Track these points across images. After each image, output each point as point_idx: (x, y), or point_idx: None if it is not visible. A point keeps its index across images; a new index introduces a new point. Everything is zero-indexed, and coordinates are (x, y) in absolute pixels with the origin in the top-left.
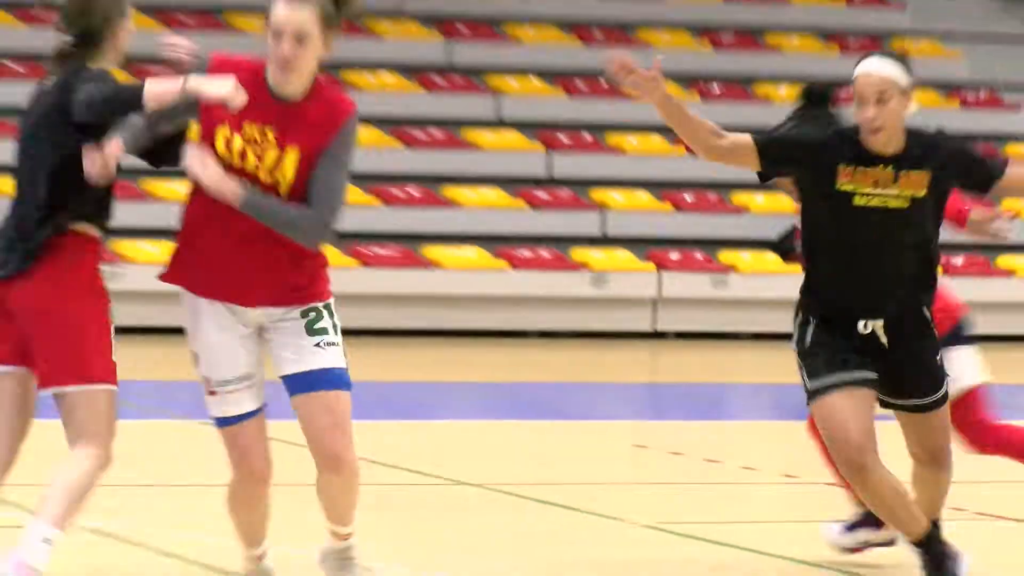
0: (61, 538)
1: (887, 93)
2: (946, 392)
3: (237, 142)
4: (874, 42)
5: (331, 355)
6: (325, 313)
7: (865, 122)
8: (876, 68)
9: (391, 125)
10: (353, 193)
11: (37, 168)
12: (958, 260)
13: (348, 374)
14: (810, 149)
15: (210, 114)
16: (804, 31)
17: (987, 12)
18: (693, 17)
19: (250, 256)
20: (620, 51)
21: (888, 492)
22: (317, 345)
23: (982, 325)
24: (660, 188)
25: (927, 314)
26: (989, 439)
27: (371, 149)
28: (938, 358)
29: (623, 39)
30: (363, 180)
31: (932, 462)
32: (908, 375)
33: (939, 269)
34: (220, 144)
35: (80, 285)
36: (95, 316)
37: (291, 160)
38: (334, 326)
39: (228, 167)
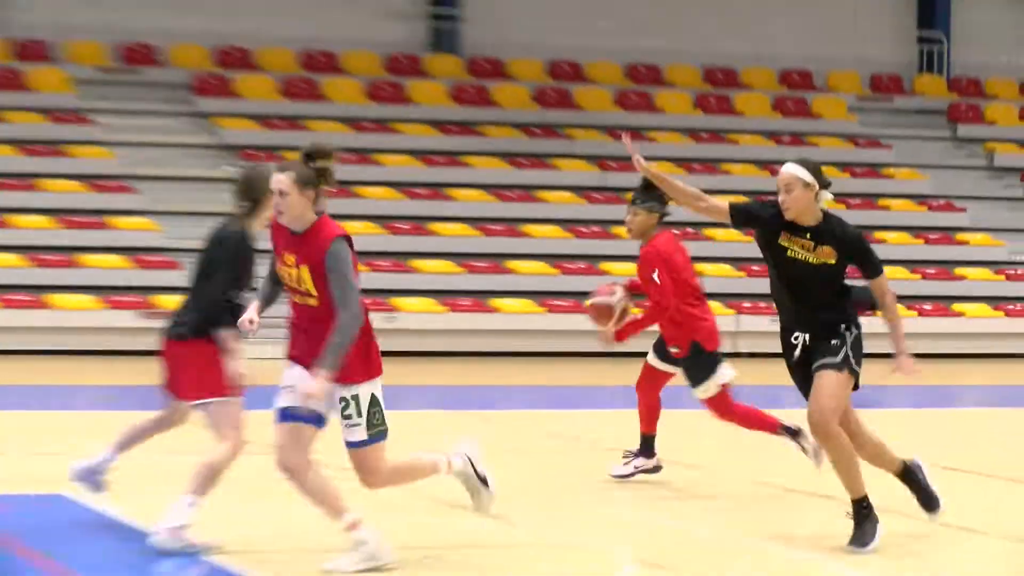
0: (201, 503)
1: (791, 185)
2: (835, 365)
3: (281, 267)
4: (872, 170)
5: (355, 433)
6: (352, 403)
7: (779, 203)
8: (787, 168)
9: (567, 224)
10: (542, 267)
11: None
12: (928, 306)
13: (366, 441)
14: (764, 217)
15: (276, 251)
16: (826, 164)
17: (944, 150)
18: (760, 156)
19: (308, 341)
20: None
21: (844, 447)
22: (347, 426)
23: (945, 347)
24: (737, 262)
25: (841, 327)
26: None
27: (554, 239)
28: (835, 342)
29: (713, 170)
30: (550, 258)
31: (818, 424)
32: (815, 349)
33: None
34: (279, 269)
35: (207, 356)
36: (213, 366)
37: (306, 274)
38: (358, 410)
39: (286, 284)
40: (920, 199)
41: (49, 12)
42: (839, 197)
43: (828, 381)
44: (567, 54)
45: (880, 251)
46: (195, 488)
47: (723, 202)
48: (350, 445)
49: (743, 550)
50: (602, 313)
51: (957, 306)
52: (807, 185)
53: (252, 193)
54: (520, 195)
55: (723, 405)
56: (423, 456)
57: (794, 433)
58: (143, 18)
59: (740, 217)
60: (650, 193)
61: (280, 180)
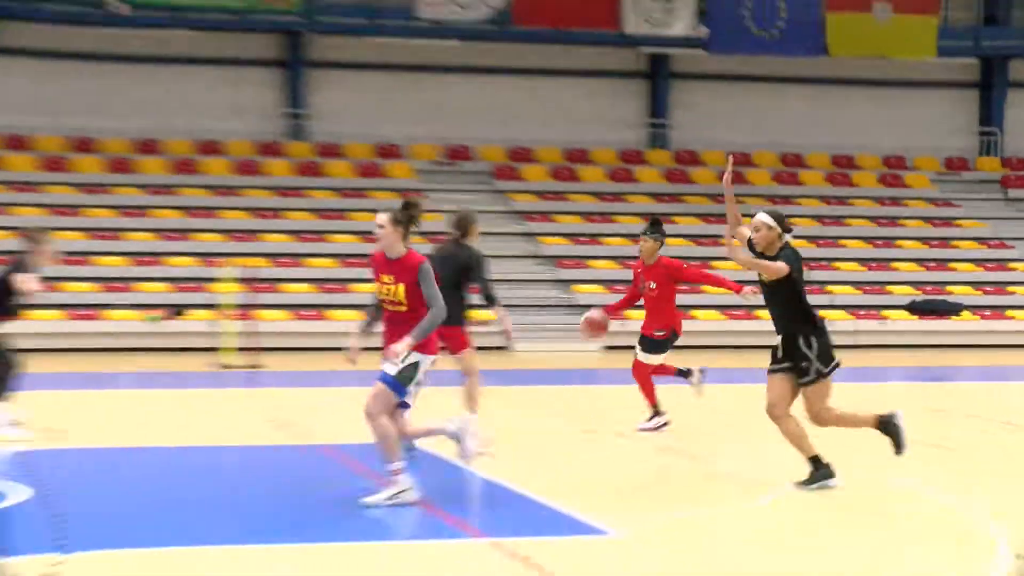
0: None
1: (759, 228)
2: (811, 382)
3: (380, 286)
4: (947, 222)
5: (390, 369)
6: (406, 355)
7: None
8: (758, 216)
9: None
10: (724, 292)
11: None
12: (987, 312)
13: (388, 379)
14: (753, 248)
15: (376, 275)
16: (915, 218)
17: (998, 207)
18: (870, 214)
19: (393, 335)
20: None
21: (791, 430)
22: (391, 363)
23: (1000, 340)
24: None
25: (800, 340)
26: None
27: (731, 271)
28: (804, 364)
29: (838, 224)
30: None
31: (814, 421)
32: (795, 367)
33: (812, 316)
34: (377, 287)
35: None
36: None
37: (401, 290)
38: (403, 359)
39: (383, 299)
40: (981, 240)
41: (401, 128)
42: (924, 239)
43: (813, 392)
44: (740, 148)
45: (952, 277)
46: (471, 408)
47: (746, 231)
48: (380, 375)
49: (848, 479)
50: (595, 326)
51: (1009, 312)
52: (770, 228)
53: (462, 225)
54: (711, 242)
55: (656, 371)
56: (428, 424)
57: (685, 373)
58: (462, 129)
59: (749, 245)
60: (656, 228)
61: (380, 217)
